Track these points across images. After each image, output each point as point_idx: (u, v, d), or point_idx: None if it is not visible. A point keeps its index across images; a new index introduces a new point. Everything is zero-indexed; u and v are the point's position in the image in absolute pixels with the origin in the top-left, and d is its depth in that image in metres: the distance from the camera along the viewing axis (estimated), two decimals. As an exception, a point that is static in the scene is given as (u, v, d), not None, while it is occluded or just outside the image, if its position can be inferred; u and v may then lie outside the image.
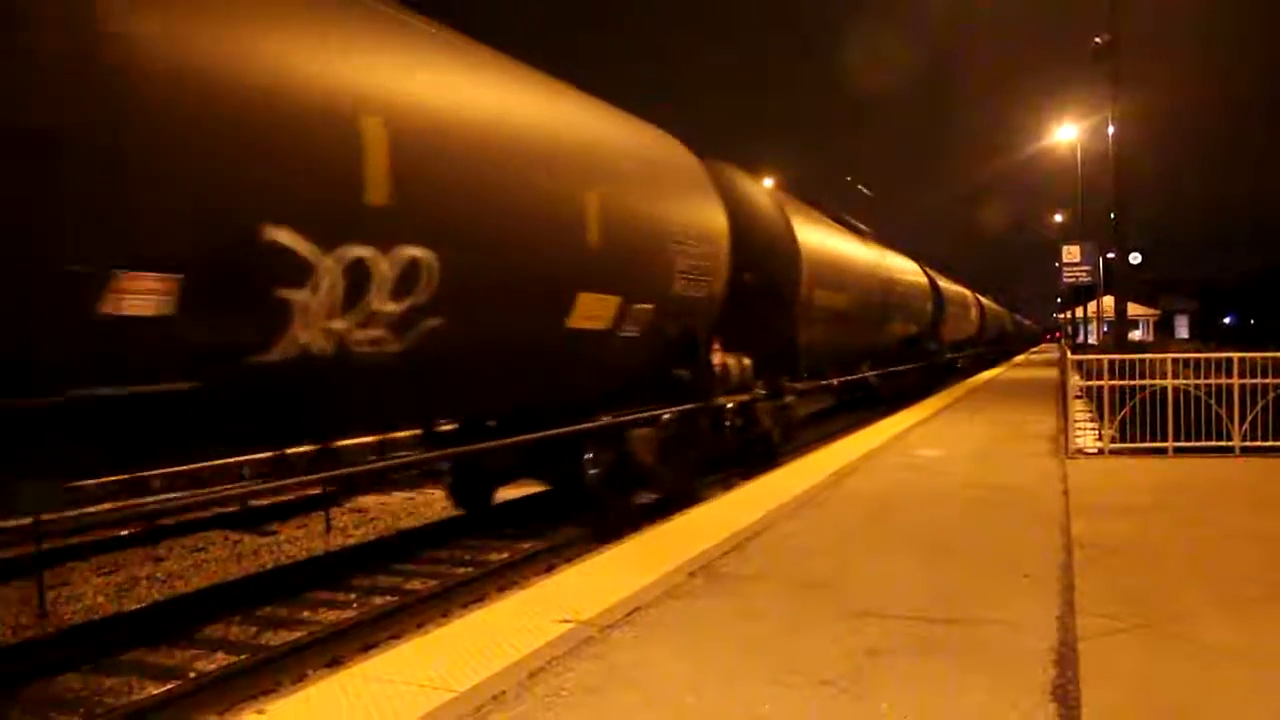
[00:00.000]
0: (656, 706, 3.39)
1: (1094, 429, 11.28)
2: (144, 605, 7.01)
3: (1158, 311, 77.86)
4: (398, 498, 11.35)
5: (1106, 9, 14.31)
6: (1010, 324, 68.91)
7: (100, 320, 4.01)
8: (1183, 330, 79.36)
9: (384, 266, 5.36)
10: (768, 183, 15.89)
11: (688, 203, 9.69)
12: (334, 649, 5.84)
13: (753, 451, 11.31)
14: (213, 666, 5.67)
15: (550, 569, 7.25)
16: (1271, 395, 9.88)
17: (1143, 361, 10.54)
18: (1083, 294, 39.77)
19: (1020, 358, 53.22)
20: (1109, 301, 27.05)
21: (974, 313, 40.06)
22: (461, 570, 7.90)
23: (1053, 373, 27.06)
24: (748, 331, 11.18)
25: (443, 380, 6.42)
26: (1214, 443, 9.85)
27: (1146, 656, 3.85)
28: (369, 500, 11.09)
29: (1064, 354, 18.90)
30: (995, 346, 52.36)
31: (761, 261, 11.66)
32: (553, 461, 8.54)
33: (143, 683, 5.49)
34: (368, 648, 5.74)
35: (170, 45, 4.28)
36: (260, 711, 3.39)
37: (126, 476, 6.22)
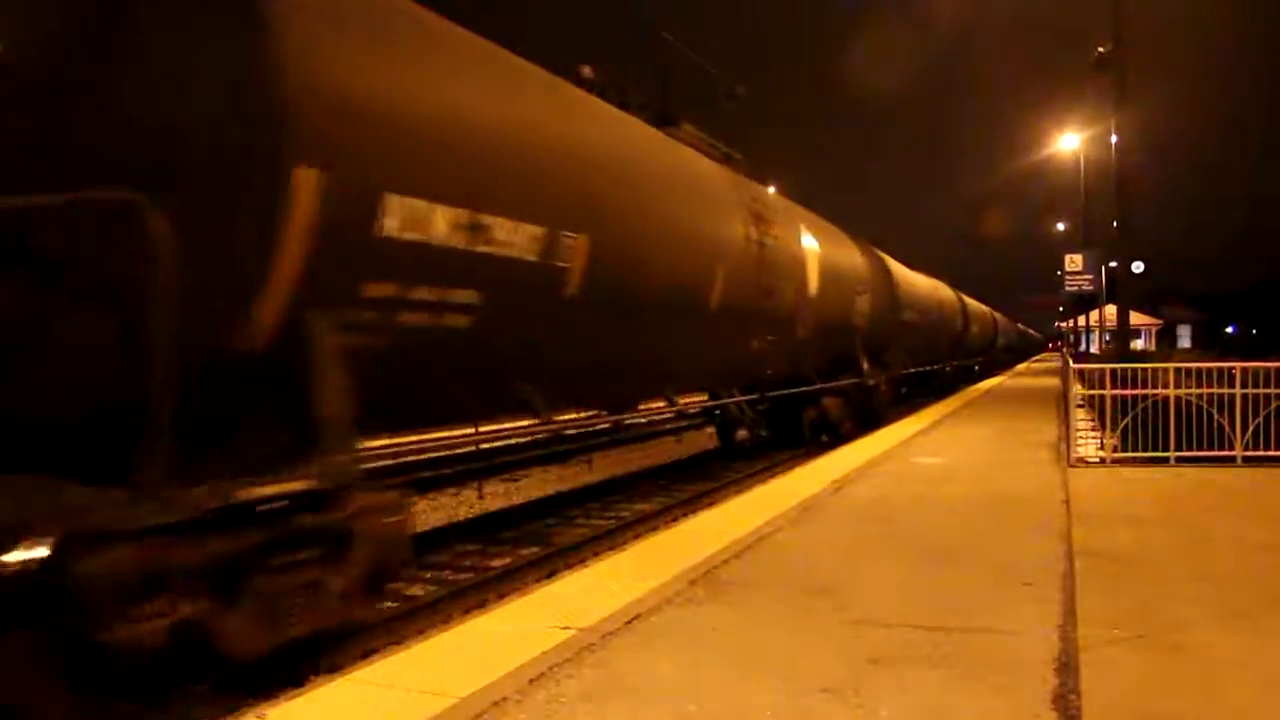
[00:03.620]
0: (657, 714, 3.39)
1: (1096, 438, 11.28)
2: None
3: (1160, 321, 77.80)
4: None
5: (1109, 17, 14.30)
6: (1015, 334, 70.31)
7: None
8: (1185, 340, 79.26)
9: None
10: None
11: (861, 265, 16.63)
12: (333, 654, 5.82)
13: (863, 419, 16.19)
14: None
15: (551, 575, 7.24)
16: (1274, 405, 9.87)
17: (1145, 371, 10.53)
18: (1085, 303, 39.77)
19: (1022, 366, 53.25)
20: (1111, 310, 27.07)
21: (989, 325, 45.71)
22: (462, 576, 7.89)
23: (1055, 381, 27.04)
24: (872, 336, 16.89)
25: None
26: (1216, 452, 9.84)
27: (1148, 666, 3.84)
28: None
29: (1066, 363, 18.90)
30: (1003, 354, 54.61)
31: (878, 293, 17.20)
32: (783, 413, 14.74)
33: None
34: (368, 654, 5.70)
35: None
36: (260, 716, 3.39)
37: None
